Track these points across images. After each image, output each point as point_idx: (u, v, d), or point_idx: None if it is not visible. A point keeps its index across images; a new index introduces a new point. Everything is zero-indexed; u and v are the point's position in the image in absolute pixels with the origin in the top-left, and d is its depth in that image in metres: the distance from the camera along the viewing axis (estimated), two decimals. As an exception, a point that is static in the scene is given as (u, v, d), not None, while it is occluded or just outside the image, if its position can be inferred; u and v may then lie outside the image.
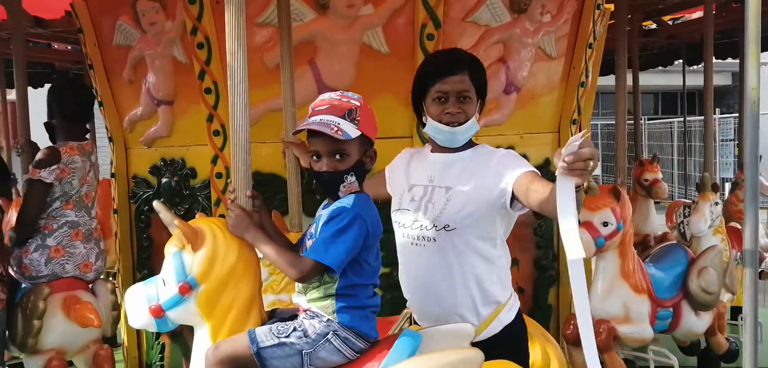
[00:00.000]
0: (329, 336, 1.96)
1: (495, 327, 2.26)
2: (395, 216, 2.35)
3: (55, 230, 3.05)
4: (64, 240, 3.05)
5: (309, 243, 2.04)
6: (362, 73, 3.26)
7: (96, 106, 3.95)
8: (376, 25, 3.23)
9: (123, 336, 3.95)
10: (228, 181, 3.39)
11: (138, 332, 3.96)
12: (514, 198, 2.13)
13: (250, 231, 2.02)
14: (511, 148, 3.57)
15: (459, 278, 2.22)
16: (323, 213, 2.03)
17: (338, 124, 1.93)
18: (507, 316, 2.29)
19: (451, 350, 2.02)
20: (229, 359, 1.94)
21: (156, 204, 2.14)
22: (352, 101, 2.01)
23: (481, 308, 2.24)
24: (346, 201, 1.98)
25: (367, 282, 2.04)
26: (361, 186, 2.05)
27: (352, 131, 1.95)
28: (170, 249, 2.05)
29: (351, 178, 2.00)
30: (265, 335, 1.95)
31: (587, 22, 3.87)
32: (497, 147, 3.38)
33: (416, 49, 3.28)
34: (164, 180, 3.63)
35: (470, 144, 2.31)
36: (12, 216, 3.68)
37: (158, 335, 3.79)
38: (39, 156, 3.04)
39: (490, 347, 2.13)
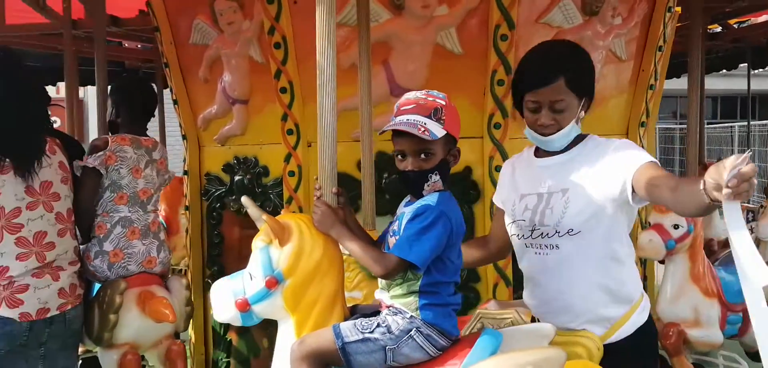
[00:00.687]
0: (412, 332, 1.96)
1: (627, 330, 2.17)
2: (510, 229, 2.30)
3: (110, 231, 3.00)
4: (120, 242, 3.01)
5: (392, 240, 2.04)
6: (435, 73, 3.25)
7: (170, 104, 4.04)
8: (450, 25, 3.21)
9: (190, 332, 4.01)
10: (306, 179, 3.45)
11: (204, 328, 4.03)
12: (634, 190, 2.02)
13: (335, 228, 2.03)
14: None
15: (587, 282, 2.14)
16: (406, 211, 2.03)
17: (425, 123, 1.93)
18: (640, 318, 2.20)
19: (534, 349, 1.99)
20: (314, 353, 1.95)
21: (244, 199, 2.18)
22: (438, 100, 2.00)
23: (612, 310, 2.16)
24: (430, 199, 1.98)
25: (450, 279, 2.03)
26: (444, 185, 2.03)
27: (438, 130, 1.94)
28: (257, 244, 2.08)
29: (435, 177, 1.99)
30: (350, 330, 1.96)
31: (657, 24, 3.77)
32: None
33: (489, 50, 3.24)
34: (237, 177, 3.68)
35: (578, 139, 2.22)
36: None
37: (225, 332, 3.85)
38: (89, 146, 3.08)
39: (620, 351, 2.07)
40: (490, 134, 3.32)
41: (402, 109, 2.00)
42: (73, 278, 2.78)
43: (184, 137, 3.95)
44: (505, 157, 3.35)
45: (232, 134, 3.69)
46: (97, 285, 3.06)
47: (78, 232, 2.91)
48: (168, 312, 2.83)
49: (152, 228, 3.14)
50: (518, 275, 3.46)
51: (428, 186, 1.99)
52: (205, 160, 3.89)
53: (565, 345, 2.01)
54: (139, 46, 5.71)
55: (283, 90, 3.36)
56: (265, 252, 2.05)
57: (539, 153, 2.28)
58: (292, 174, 3.43)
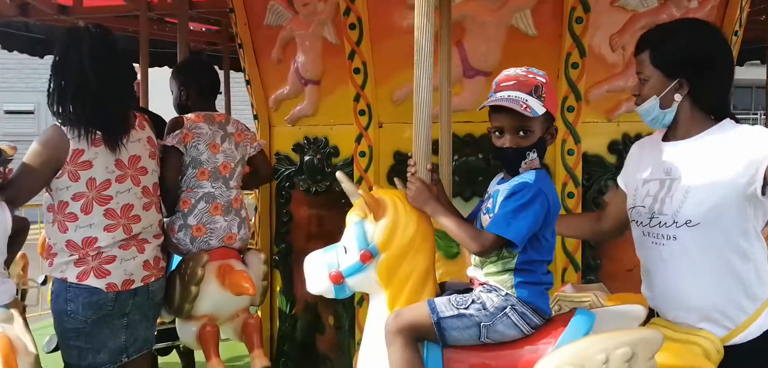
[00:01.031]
0: (507, 310, 1.95)
1: (753, 332, 1.99)
2: (631, 215, 2.20)
3: (194, 206, 3.07)
4: (203, 217, 3.07)
5: (485, 218, 2.03)
6: (508, 55, 3.22)
7: (236, 86, 4.09)
8: (525, 7, 3.18)
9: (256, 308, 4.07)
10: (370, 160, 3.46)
11: (271, 305, 4.08)
12: (766, 183, 1.90)
13: (430, 204, 2.04)
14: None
15: (706, 278, 2.00)
16: (501, 188, 2.02)
17: (526, 100, 1.91)
18: None
19: (630, 330, 1.96)
20: (409, 327, 1.96)
21: (339, 174, 2.19)
22: (538, 77, 1.98)
23: (734, 310, 1.99)
24: (527, 176, 1.96)
25: (544, 258, 2.01)
26: (541, 162, 2.02)
27: (539, 108, 1.92)
28: (352, 218, 2.10)
29: (533, 155, 1.98)
30: (445, 305, 1.96)
31: (734, 9, 3.67)
32: (637, 134, 3.37)
33: (564, 33, 3.20)
34: (307, 157, 3.72)
35: (712, 125, 2.07)
36: None
37: (291, 309, 3.90)
38: (167, 126, 3.14)
39: (744, 354, 1.96)
40: (563, 117, 3.28)
41: (502, 85, 1.98)
42: (157, 251, 2.84)
43: (255, 117, 4.00)
44: (577, 141, 3.32)
45: (304, 114, 3.72)
46: (175, 260, 3.11)
47: (163, 207, 2.97)
48: (248, 286, 2.86)
49: (234, 205, 3.18)
50: (586, 260, 3.44)
51: (525, 163, 1.98)
52: (275, 140, 3.93)
53: (681, 343, 1.96)
54: (203, 28, 5.79)
55: (357, 71, 3.37)
56: (360, 227, 2.06)
57: (667, 136, 2.16)
58: (362, 154, 3.45)
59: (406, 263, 2.03)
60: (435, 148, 3.20)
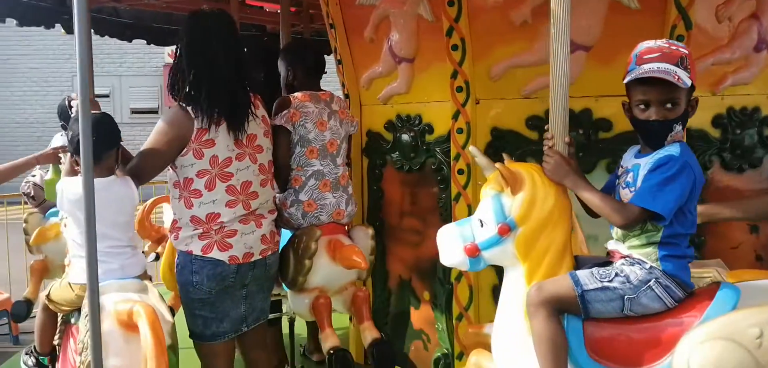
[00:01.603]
0: (651, 283, 1.93)
1: None
2: None
3: (305, 183, 3.14)
4: (313, 193, 3.14)
5: (624, 191, 2.00)
6: (609, 28, 3.14)
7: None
8: (629, -21, 3.10)
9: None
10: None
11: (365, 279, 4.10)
12: None
13: (569, 177, 2.02)
14: (757, 108, 3.38)
15: None
16: (642, 162, 1.99)
17: (676, 71, 1.87)
18: None
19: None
20: (552, 299, 1.96)
21: (472, 149, 2.20)
22: (680, 48, 1.95)
23: None
24: (672, 149, 1.93)
25: (687, 231, 1.99)
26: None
27: (687, 79, 1.89)
28: (488, 191, 2.10)
29: (678, 127, 1.95)
30: (588, 278, 1.95)
31: None
32: (742, 107, 3.27)
33: (669, 4, 3.11)
34: (400, 135, 3.72)
35: None
36: None
37: (385, 282, 3.93)
38: (274, 107, 3.18)
39: None
40: (666, 91, 3.20)
41: (645, 57, 1.95)
42: (272, 226, 2.90)
43: (346, 96, 4.02)
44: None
45: (396, 92, 3.71)
46: (285, 235, 3.17)
47: (276, 184, 3.03)
48: (360, 260, 2.90)
49: (342, 182, 3.24)
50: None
51: (671, 136, 1.95)
52: (366, 118, 3.94)
53: None
54: (279, 10, 5.80)
55: (455, 47, 3.34)
56: (497, 200, 2.06)
57: None
58: (460, 131, 3.42)
59: (544, 236, 2.03)
60: (538, 124, 3.22)
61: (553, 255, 2.03)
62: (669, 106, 1.93)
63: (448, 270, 3.37)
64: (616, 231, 2.04)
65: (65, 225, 3.05)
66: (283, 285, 3.21)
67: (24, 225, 4.31)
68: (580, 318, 1.98)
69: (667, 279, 1.93)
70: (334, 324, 3.11)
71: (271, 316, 3.15)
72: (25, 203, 4.28)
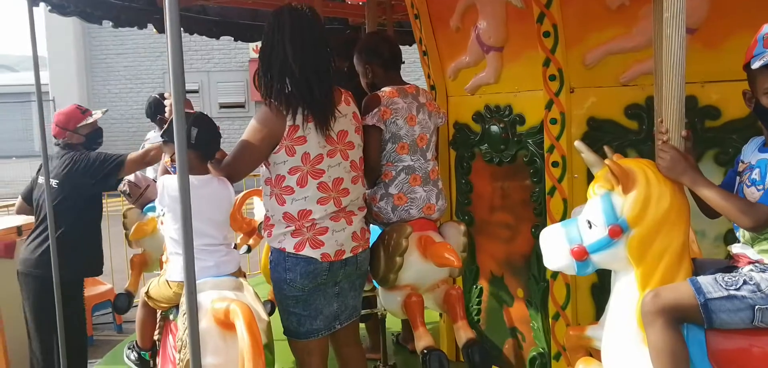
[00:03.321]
0: (787, 291, 1.71)
1: None
2: None
3: (395, 177, 3.05)
4: (403, 187, 3.05)
5: (751, 190, 1.79)
6: (717, 7, 2.86)
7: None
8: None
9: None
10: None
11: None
12: None
13: (687, 174, 1.83)
14: None
15: None
16: None
17: None
18: None
19: None
20: (671, 307, 1.78)
21: (578, 144, 2.03)
22: None
23: None
24: None
25: (826, 234, 1.75)
26: None
27: None
28: (597, 190, 1.93)
29: None
30: (712, 286, 1.76)
31: None
32: None
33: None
34: (489, 126, 3.56)
35: None
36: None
37: (476, 279, 3.79)
38: (363, 105, 3.08)
39: None
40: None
41: None
42: (362, 223, 2.84)
43: (432, 87, 3.89)
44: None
45: (485, 82, 3.56)
46: (375, 232, 3.09)
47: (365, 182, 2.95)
48: (453, 258, 2.78)
49: (432, 176, 3.13)
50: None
51: None
52: (452, 110, 3.81)
53: None
54: (361, 2, 5.74)
55: (547, 34, 3.15)
56: (607, 200, 1.90)
57: None
58: (554, 121, 3.23)
59: (660, 239, 1.85)
60: (638, 113, 2.99)
61: (670, 259, 1.85)
62: None
63: (542, 267, 3.18)
64: (743, 234, 1.83)
65: (162, 222, 3.09)
66: (374, 282, 3.13)
67: (123, 219, 4.47)
68: (702, 329, 1.79)
69: (804, 288, 1.72)
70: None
71: (363, 312, 3.09)
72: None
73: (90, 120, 3.99)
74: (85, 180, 3.76)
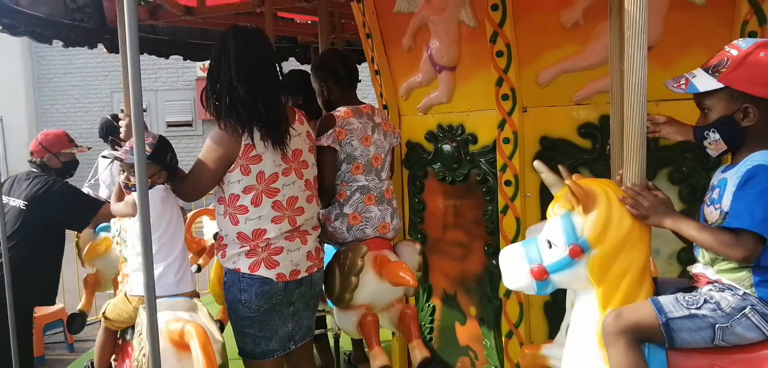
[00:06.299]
0: (746, 310, 1.67)
1: None
2: None
3: (350, 197, 2.95)
4: (358, 206, 2.95)
5: (709, 209, 1.73)
6: (670, 26, 2.84)
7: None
8: (691, -27, 2.80)
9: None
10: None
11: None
12: None
13: (669, 216, 1.75)
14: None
15: None
16: (729, 175, 1.72)
17: (687, 78, 1.67)
18: None
19: None
20: (632, 327, 1.70)
21: (537, 164, 1.94)
22: (729, 51, 1.72)
23: None
24: (757, 158, 1.67)
25: (786, 254, 1.70)
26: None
27: (701, 85, 1.73)
28: (557, 210, 1.85)
29: (713, 134, 1.73)
30: (673, 305, 1.69)
31: None
32: None
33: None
34: (441, 145, 3.47)
35: None
36: None
37: (429, 297, 3.68)
38: (318, 125, 2.97)
39: None
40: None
41: None
42: (317, 242, 2.75)
43: (384, 107, 3.79)
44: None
45: (437, 102, 3.47)
46: (329, 251, 2.96)
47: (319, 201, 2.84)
48: (408, 277, 2.68)
49: (387, 196, 3.04)
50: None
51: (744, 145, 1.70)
52: (405, 129, 3.71)
53: None
54: (309, 21, 5.62)
55: (500, 53, 3.08)
56: (567, 220, 1.81)
57: None
58: (506, 141, 3.16)
59: (621, 258, 1.77)
60: (591, 132, 2.94)
61: (631, 279, 1.77)
62: (705, 110, 1.76)
63: (495, 286, 3.13)
64: (703, 255, 1.77)
65: (117, 243, 2.94)
66: (328, 301, 2.99)
67: (75, 239, 4.29)
68: (663, 348, 1.72)
69: (764, 307, 1.66)
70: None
71: (316, 332, 2.96)
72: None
73: (74, 150, 3.97)
74: (57, 206, 3.59)
